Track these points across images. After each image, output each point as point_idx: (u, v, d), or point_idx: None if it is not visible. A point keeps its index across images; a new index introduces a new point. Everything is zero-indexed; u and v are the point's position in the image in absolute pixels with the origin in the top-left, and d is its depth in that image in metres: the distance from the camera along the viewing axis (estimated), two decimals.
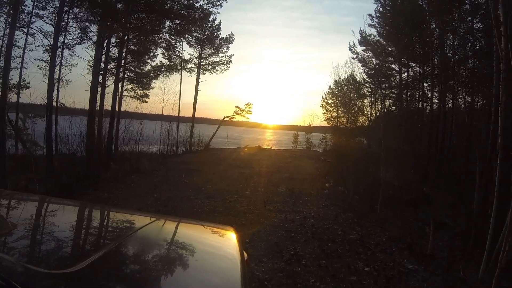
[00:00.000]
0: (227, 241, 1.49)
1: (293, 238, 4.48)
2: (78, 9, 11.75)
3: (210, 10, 16.53)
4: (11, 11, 9.76)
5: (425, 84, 11.96)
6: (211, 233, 1.62)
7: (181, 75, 19.71)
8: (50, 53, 11.59)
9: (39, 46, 13.67)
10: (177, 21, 13.12)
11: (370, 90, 16.46)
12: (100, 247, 1.17)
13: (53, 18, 12.44)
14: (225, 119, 22.43)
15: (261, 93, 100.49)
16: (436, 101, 11.28)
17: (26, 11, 12.54)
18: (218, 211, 5.71)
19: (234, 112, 22.50)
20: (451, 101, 10.12)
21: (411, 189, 7.20)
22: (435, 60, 10.40)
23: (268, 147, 23.37)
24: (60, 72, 13.31)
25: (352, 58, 17.41)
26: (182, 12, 12.52)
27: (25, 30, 12.92)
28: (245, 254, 1.33)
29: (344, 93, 16.78)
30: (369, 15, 14.42)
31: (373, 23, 14.45)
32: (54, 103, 12.30)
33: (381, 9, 13.87)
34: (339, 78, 17.09)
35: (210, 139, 20.14)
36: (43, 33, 13.10)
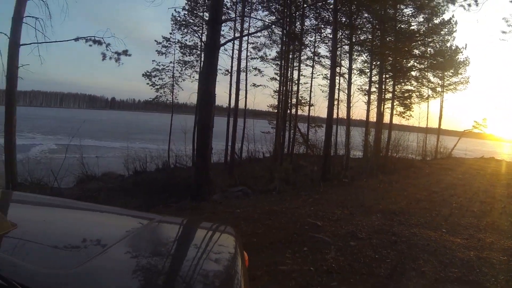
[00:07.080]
0: (227, 241, 1.50)
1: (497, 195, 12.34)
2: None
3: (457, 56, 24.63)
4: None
5: None
6: (210, 233, 1.65)
7: (428, 100, 27.39)
8: (347, 83, 21.83)
9: (319, 75, 23.62)
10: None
11: None
12: (100, 247, 1.18)
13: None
14: (465, 131, 28.26)
15: (495, 103, 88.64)
16: None
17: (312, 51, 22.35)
18: (465, 185, 13.69)
19: (473, 126, 27.86)
20: None
21: None
22: None
23: (501, 159, 26.60)
24: (339, 94, 20.42)
25: None
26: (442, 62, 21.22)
27: (310, 64, 22.34)
28: (245, 254, 1.38)
29: None
30: None
31: None
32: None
33: None
34: None
35: (452, 149, 26.46)
36: (322, 66, 22.59)
